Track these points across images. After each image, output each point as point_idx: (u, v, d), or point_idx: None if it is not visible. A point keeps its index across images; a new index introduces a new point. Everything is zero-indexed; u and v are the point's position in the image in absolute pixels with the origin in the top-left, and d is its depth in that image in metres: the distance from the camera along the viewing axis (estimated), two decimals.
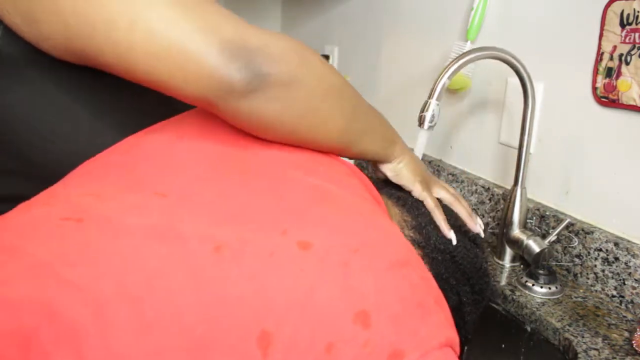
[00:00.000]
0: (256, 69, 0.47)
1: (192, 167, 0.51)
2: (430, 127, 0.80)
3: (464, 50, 0.99)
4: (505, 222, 0.90)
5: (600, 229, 0.85)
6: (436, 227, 0.65)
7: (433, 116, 0.80)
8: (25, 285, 0.39)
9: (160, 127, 0.57)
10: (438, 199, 0.69)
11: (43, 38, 0.50)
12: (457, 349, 0.47)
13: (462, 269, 0.65)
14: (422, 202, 0.67)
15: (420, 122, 0.80)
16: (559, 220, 0.89)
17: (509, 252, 0.93)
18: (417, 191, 0.67)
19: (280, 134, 0.54)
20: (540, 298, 0.83)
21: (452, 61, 0.81)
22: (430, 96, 0.80)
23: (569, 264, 0.88)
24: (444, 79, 0.80)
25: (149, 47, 0.46)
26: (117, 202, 0.46)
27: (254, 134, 0.54)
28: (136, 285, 0.40)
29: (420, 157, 0.90)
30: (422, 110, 0.80)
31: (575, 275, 0.88)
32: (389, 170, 0.67)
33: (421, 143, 0.82)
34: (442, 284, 0.57)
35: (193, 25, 0.46)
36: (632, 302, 0.79)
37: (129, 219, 0.44)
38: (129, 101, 0.56)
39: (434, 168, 1.17)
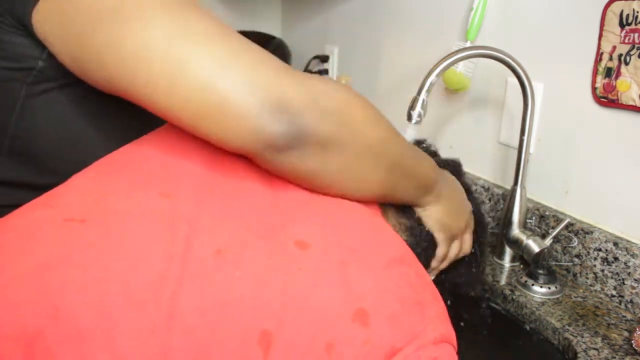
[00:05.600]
0: (296, 130, 0.47)
1: (194, 167, 0.51)
2: (417, 122, 0.83)
3: None
4: (505, 222, 0.90)
5: (599, 228, 0.85)
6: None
7: (420, 112, 0.82)
8: (30, 287, 0.39)
9: (163, 129, 0.57)
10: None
11: (88, 79, 0.51)
12: (455, 343, 0.48)
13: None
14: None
15: (409, 117, 0.83)
16: (558, 220, 0.89)
17: (508, 252, 0.93)
18: (439, 239, 0.67)
19: (314, 187, 0.54)
20: (540, 298, 0.83)
21: (442, 59, 0.82)
22: (418, 92, 0.82)
23: (568, 263, 0.88)
24: (432, 77, 0.81)
25: (190, 110, 0.46)
26: (121, 203, 0.46)
27: (291, 181, 0.54)
28: (141, 287, 0.40)
29: None
30: (411, 107, 0.82)
31: (574, 275, 0.88)
32: (418, 213, 0.66)
33: (410, 135, 0.85)
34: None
35: (237, 85, 0.45)
36: (631, 301, 0.79)
37: (133, 220, 0.44)
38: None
39: None
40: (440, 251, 0.67)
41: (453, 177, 0.70)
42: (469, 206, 0.72)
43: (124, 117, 0.58)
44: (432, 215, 0.66)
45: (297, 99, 0.47)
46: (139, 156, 0.52)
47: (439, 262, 0.68)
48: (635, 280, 0.78)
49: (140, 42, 0.46)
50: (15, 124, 0.53)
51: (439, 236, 0.66)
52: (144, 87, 0.47)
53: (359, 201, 0.57)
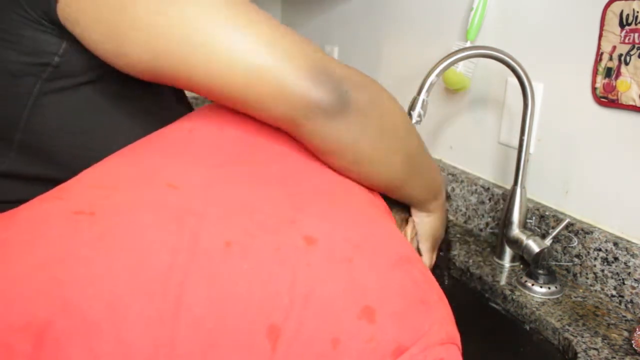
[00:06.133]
0: (342, 92, 0.49)
1: (202, 158, 0.51)
2: (417, 122, 0.83)
3: None
4: (505, 222, 0.90)
5: (599, 228, 0.85)
6: None
7: (420, 113, 0.82)
8: (39, 280, 0.39)
9: (173, 123, 0.57)
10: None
11: (122, 55, 0.50)
12: (459, 344, 0.48)
13: None
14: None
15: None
16: (558, 220, 0.89)
17: (508, 252, 0.93)
18: (424, 248, 0.69)
19: (345, 162, 0.54)
20: (540, 298, 0.83)
21: (442, 59, 0.82)
22: (418, 93, 0.82)
23: (568, 263, 0.88)
24: (432, 77, 0.81)
25: (229, 81, 0.47)
26: (130, 195, 0.46)
27: (320, 156, 0.55)
28: (148, 279, 0.40)
29: None
30: (410, 108, 0.82)
31: (574, 275, 0.88)
32: (416, 217, 0.67)
33: None
34: None
35: (278, 52, 0.47)
36: (631, 301, 0.79)
37: (141, 212, 0.44)
38: (168, 113, 0.58)
39: None
40: (425, 261, 0.69)
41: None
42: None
43: (137, 116, 0.58)
44: (428, 223, 0.67)
45: (336, 66, 0.49)
46: (149, 149, 0.53)
47: None
48: (635, 280, 0.79)
49: (177, 17, 0.47)
50: (26, 120, 0.53)
51: (426, 245, 0.68)
52: (183, 64, 0.48)
53: (371, 187, 0.58)
